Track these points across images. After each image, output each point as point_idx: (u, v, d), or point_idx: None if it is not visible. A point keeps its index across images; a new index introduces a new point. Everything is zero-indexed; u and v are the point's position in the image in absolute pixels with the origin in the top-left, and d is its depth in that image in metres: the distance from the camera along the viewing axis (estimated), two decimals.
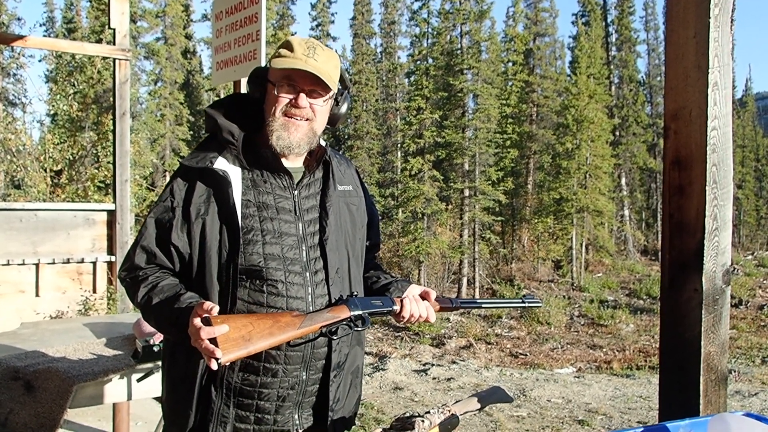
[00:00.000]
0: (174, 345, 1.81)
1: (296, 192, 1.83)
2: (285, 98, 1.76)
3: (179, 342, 1.71)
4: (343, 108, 1.91)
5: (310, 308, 1.75)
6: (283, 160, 1.82)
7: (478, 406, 2.00)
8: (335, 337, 1.74)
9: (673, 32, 1.89)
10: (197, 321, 1.54)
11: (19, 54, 29.65)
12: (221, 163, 1.75)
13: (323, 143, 1.92)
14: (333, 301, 1.80)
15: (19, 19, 33.30)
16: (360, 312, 1.75)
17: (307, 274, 1.78)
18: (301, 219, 1.81)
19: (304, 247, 1.79)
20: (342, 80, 1.87)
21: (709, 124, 1.76)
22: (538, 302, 2.03)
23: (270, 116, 1.78)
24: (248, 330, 1.56)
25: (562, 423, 5.93)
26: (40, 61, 36.39)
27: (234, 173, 1.76)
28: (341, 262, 1.86)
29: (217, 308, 1.55)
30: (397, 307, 1.81)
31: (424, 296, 1.90)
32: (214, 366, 1.51)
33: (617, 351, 15.32)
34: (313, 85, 1.75)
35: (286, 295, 1.73)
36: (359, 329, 1.77)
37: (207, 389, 1.74)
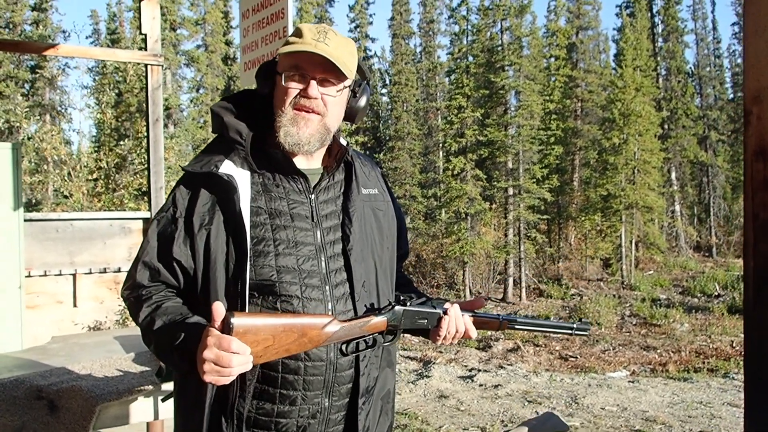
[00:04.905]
0: None
1: (313, 196, 1.63)
2: (294, 89, 1.56)
3: (181, 370, 1.53)
4: (362, 100, 1.70)
5: None
6: (297, 161, 1.62)
7: None
8: (349, 354, 1.57)
9: (751, 3, 1.61)
10: (214, 334, 1.35)
11: (65, 66, 30.47)
12: (227, 167, 1.56)
13: (344, 142, 1.71)
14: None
15: (64, 31, 34.23)
16: (396, 327, 1.59)
17: (327, 287, 1.57)
18: (319, 226, 1.61)
19: (323, 258, 1.59)
20: (359, 70, 1.66)
21: None
22: (587, 330, 1.85)
23: (279, 110, 1.58)
24: (266, 346, 1.38)
25: None
26: (87, 72, 37.26)
27: (242, 177, 1.57)
28: (368, 274, 1.65)
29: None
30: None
31: (467, 308, 1.71)
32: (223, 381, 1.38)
33: (672, 352, 14.69)
34: (325, 72, 1.56)
35: (303, 312, 1.53)
36: (384, 343, 1.60)
37: (218, 420, 1.54)
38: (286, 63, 1.58)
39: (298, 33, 1.57)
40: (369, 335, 1.55)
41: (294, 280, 1.54)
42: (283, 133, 1.57)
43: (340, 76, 1.57)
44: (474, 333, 1.69)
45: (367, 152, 35.54)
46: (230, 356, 1.32)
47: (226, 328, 1.34)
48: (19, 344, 4.56)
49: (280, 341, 1.39)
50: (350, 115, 1.70)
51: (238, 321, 1.34)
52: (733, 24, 51.10)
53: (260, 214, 1.56)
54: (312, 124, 1.58)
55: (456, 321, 1.66)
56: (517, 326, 1.78)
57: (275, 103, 1.61)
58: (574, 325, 1.82)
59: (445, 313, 1.65)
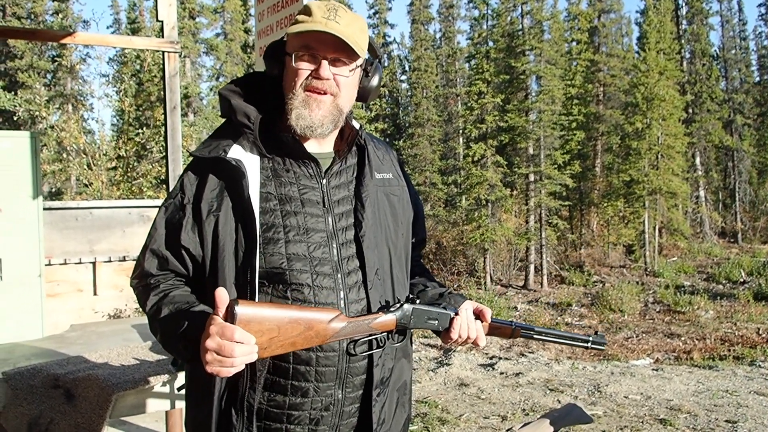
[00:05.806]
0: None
1: (324, 181, 1.57)
2: (305, 70, 1.50)
3: (185, 359, 1.49)
4: (375, 80, 1.63)
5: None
6: (308, 144, 1.56)
7: (551, 429, 1.69)
8: (358, 355, 1.52)
9: None
10: (217, 322, 1.29)
11: (86, 55, 30.71)
12: (236, 152, 1.51)
13: (356, 124, 1.65)
14: (372, 306, 1.54)
15: (85, 21, 34.37)
16: (406, 326, 1.53)
17: (339, 275, 1.52)
18: (330, 212, 1.55)
19: (334, 245, 1.53)
20: (371, 48, 1.60)
21: None
22: (603, 344, 1.77)
23: (289, 93, 1.52)
24: (271, 337, 1.32)
25: (642, 423, 5.50)
26: (108, 62, 37.51)
27: (251, 162, 1.51)
28: (382, 261, 1.59)
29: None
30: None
31: (477, 314, 1.64)
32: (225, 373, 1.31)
33: (697, 339, 14.49)
34: (336, 51, 1.49)
35: (315, 301, 1.48)
36: (395, 344, 1.56)
37: (227, 411, 1.49)
38: (295, 43, 1.52)
39: (306, 11, 1.51)
40: (377, 333, 1.50)
41: (305, 267, 1.49)
42: (295, 116, 1.51)
43: (352, 55, 1.51)
44: (483, 342, 1.64)
45: (387, 139, 35.43)
46: (233, 346, 1.26)
47: (230, 316, 1.28)
48: (40, 332, 4.59)
49: (286, 333, 1.34)
50: (363, 95, 1.64)
51: (242, 309, 1.28)
52: (760, 5, 50.12)
53: (270, 200, 1.52)
54: (324, 106, 1.52)
55: (468, 323, 1.61)
56: (531, 335, 1.71)
57: (285, 85, 1.55)
58: (590, 338, 1.75)
59: (456, 314, 1.60)
